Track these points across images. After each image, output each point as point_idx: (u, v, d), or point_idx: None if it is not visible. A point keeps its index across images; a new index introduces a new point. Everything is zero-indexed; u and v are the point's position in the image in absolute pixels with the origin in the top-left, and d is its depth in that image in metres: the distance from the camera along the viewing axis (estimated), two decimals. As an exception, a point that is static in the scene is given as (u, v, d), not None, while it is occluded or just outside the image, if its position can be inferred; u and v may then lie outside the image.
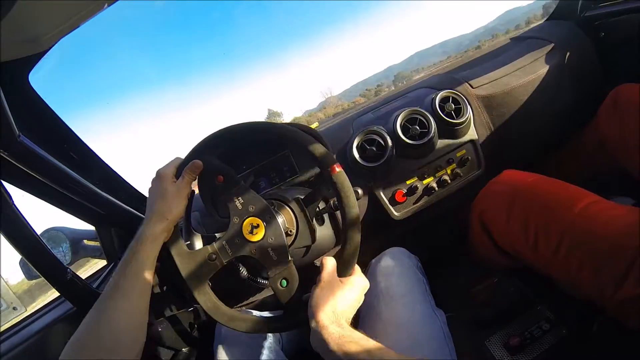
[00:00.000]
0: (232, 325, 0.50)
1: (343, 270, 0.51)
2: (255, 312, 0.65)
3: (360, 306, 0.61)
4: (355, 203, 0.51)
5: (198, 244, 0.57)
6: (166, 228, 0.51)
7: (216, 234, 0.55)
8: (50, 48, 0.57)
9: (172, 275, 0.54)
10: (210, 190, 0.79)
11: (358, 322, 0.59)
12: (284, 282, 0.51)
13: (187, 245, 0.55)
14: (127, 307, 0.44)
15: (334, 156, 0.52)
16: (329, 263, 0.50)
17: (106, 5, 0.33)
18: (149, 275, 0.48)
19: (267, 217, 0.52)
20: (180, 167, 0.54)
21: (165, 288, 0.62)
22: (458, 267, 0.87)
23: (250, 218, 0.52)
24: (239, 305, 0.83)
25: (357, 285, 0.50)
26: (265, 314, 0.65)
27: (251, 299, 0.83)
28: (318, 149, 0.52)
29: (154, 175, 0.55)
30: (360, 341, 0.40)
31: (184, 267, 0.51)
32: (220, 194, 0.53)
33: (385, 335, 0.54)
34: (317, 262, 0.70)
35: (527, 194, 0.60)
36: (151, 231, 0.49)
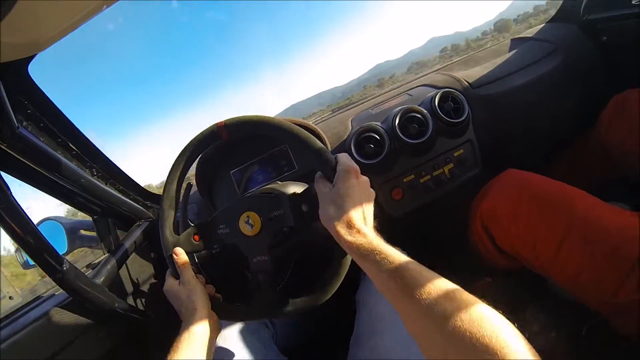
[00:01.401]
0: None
1: (326, 168, 0.46)
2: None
3: (360, 306, 0.60)
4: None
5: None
6: (202, 320, 0.48)
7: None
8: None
9: None
10: (207, 184, 0.79)
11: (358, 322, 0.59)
12: None
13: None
14: None
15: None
16: (317, 176, 0.47)
17: (104, 6, 0.33)
18: None
19: (252, 204, 0.52)
20: (173, 269, 0.54)
21: None
22: (452, 267, 0.86)
23: (240, 217, 0.51)
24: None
25: (345, 175, 0.44)
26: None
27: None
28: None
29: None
30: (383, 252, 0.37)
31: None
32: (204, 248, 0.54)
33: (382, 331, 0.53)
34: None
35: (531, 194, 0.60)
36: (188, 330, 0.47)
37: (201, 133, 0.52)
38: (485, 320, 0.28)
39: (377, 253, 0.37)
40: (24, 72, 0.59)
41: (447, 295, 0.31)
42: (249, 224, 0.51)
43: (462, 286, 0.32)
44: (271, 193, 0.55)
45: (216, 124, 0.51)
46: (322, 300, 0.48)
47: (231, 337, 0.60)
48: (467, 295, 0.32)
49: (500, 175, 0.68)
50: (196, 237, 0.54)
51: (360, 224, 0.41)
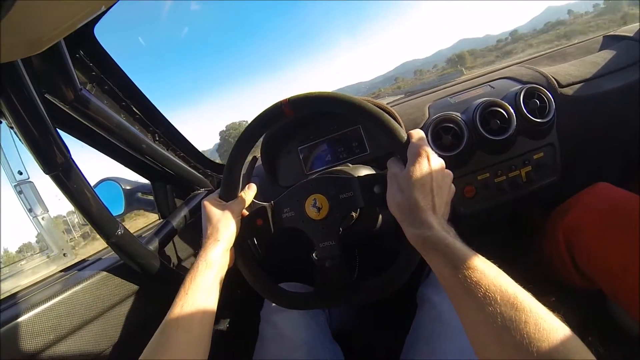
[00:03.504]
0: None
1: (397, 146, 0.43)
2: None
3: (421, 302, 0.58)
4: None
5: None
6: (222, 252, 0.48)
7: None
8: (107, 9, 0.54)
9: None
10: (273, 158, 0.76)
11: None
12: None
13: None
14: (188, 340, 0.40)
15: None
16: (391, 160, 0.45)
17: (104, 7, 0.32)
18: (208, 302, 0.44)
19: (320, 186, 0.49)
20: (226, 187, 0.53)
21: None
22: (518, 275, 0.82)
23: (307, 200, 0.49)
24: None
25: (415, 158, 0.40)
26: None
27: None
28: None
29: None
30: (449, 247, 0.34)
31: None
32: (267, 232, 0.52)
33: (441, 337, 0.51)
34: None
35: (623, 214, 0.55)
36: (205, 257, 0.47)
37: (264, 111, 0.49)
38: (557, 340, 0.25)
39: (442, 247, 0.34)
40: (90, 33, 0.57)
41: (514, 303, 0.27)
42: (315, 207, 0.48)
43: None
44: (340, 175, 0.52)
45: (280, 101, 0.48)
46: (390, 291, 0.46)
47: (291, 315, 0.60)
48: (537, 306, 0.27)
49: (590, 188, 0.63)
50: (259, 220, 0.52)
51: (426, 215, 0.37)
